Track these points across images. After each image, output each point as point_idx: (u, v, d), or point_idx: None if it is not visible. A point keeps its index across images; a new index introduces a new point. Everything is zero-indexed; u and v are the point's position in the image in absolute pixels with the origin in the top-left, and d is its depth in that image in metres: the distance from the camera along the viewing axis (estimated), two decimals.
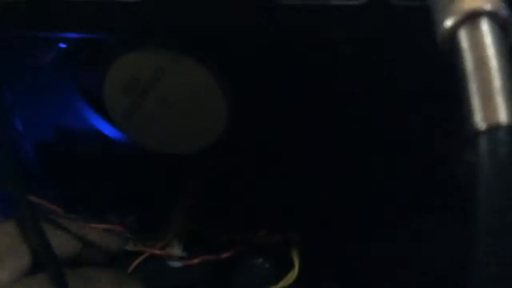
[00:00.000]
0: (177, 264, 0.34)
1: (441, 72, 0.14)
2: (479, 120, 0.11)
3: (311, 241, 0.32)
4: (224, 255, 0.30)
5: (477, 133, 0.11)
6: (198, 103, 0.26)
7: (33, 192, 0.26)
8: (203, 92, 0.26)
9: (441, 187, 0.30)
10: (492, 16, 0.12)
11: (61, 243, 0.26)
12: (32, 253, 0.25)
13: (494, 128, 0.11)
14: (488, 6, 0.12)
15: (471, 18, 0.12)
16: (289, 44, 0.24)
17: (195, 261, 0.29)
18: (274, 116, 0.28)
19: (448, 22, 0.13)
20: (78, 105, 0.33)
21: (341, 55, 0.26)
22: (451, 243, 0.29)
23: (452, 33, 0.12)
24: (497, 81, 0.12)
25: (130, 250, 0.32)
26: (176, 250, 0.36)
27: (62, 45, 0.28)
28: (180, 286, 0.33)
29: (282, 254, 0.33)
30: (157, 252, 0.31)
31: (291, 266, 0.32)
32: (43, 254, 0.24)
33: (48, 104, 0.33)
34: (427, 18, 0.14)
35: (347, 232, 0.32)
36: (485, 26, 0.12)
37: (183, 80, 0.26)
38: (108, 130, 0.34)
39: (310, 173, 0.31)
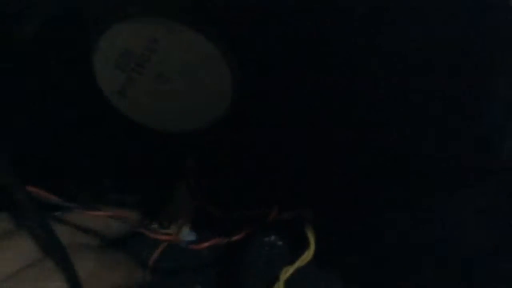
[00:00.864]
0: (185, 244, 0.33)
1: None
2: None
3: (325, 218, 0.30)
4: (235, 238, 0.28)
5: None
6: (199, 77, 0.23)
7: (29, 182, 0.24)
8: (204, 64, 0.23)
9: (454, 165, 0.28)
10: None
11: (63, 232, 0.25)
12: (34, 243, 0.24)
13: None
14: None
15: None
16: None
17: (205, 245, 0.28)
18: (284, 89, 0.25)
19: None
20: None
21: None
22: (467, 221, 0.27)
23: None
24: None
25: (134, 233, 0.30)
26: (185, 232, 0.35)
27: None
28: (189, 267, 0.31)
29: (295, 232, 0.31)
30: (166, 238, 0.29)
31: (307, 244, 0.30)
32: (47, 243, 0.22)
33: None
34: None
35: (363, 208, 0.30)
36: None
37: (181, 52, 0.23)
38: None
39: (322, 148, 0.29)
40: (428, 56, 0.23)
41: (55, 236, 0.21)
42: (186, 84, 0.24)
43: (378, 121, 0.28)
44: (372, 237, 0.30)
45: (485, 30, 0.21)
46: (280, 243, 0.32)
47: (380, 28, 0.23)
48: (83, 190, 0.30)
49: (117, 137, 0.31)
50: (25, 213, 0.23)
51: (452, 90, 0.24)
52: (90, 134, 0.32)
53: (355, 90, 0.26)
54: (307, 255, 0.29)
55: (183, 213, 0.33)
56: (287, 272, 0.28)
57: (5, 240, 0.24)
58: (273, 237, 0.32)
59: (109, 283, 0.24)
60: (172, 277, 0.30)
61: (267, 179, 0.32)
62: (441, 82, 0.24)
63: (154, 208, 0.34)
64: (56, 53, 0.26)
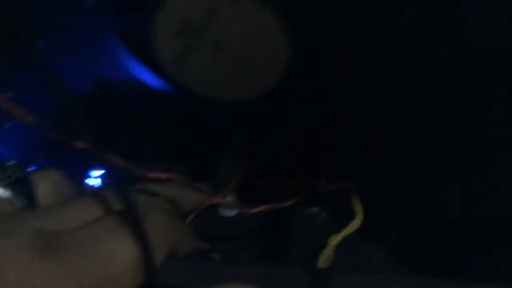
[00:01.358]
0: (229, 213, 0.34)
1: None
2: None
3: (370, 189, 0.31)
4: (284, 204, 0.29)
5: None
6: (256, 45, 0.25)
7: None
8: (263, 34, 0.24)
9: None
10: None
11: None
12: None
13: None
14: None
15: None
16: None
17: (254, 211, 0.28)
18: (336, 62, 0.26)
19: None
20: (118, 53, 0.31)
21: None
22: None
23: None
24: None
25: None
26: (230, 199, 0.36)
27: None
28: (234, 236, 0.32)
29: (338, 204, 0.31)
30: (214, 201, 0.30)
31: (351, 215, 0.30)
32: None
33: (86, 53, 0.32)
34: None
35: (408, 178, 0.31)
36: None
37: (242, 21, 0.24)
38: (149, 79, 0.32)
39: (373, 123, 0.30)
40: None
41: (126, 189, 0.21)
42: (242, 53, 0.25)
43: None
44: (416, 213, 0.31)
45: None
46: (323, 214, 0.32)
47: None
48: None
49: (164, 106, 0.32)
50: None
51: None
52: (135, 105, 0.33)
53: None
54: (355, 224, 0.30)
55: (228, 183, 0.34)
56: (335, 240, 0.29)
57: (72, 197, 0.25)
58: (316, 208, 0.32)
59: (169, 242, 0.25)
60: (220, 244, 0.31)
61: (314, 152, 0.33)
62: None
63: (200, 178, 0.35)
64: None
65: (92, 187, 0.28)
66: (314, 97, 0.29)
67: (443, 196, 0.29)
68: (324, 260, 0.28)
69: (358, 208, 0.30)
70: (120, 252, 0.21)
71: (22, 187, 0.25)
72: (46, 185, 0.26)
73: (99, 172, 0.37)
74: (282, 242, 0.31)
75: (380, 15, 0.25)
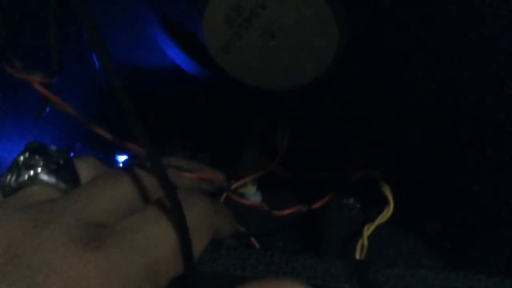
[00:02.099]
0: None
1: None
2: None
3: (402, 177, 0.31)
4: (316, 206, 0.29)
5: None
6: (306, 34, 0.24)
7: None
8: (313, 21, 0.24)
9: None
10: None
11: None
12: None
13: None
14: None
15: None
16: None
17: (286, 212, 0.28)
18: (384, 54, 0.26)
19: None
20: (157, 38, 0.31)
21: None
22: None
23: None
24: None
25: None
26: (251, 192, 0.36)
27: None
28: (271, 227, 0.32)
29: (372, 195, 0.32)
30: (250, 203, 0.30)
31: (385, 203, 0.31)
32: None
33: (123, 38, 0.31)
34: None
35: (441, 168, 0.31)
36: None
37: (292, 8, 0.23)
38: (186, 64, 0.32)
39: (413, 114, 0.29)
40: None
41: (166, 174, 0.21)
42: (291, 41, 0.24)
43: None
44: (450, 204, 0.31)
45: None
46: (358, 205, 0.32)
47: None
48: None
49: (197, 92, 0.31)
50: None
51: None
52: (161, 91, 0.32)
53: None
54: (387, 212, 0.30)
55: (250, 172, 0.34)
56: (368, 229, 0.29)
57: (112, 179, 0.24)
58: (351, 200, 0.32)
59: (212, 226, 0.25)
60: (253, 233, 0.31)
61: (340, 142, 0.33)
62: None
63: (223, 166, 0.35)
64: None
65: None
66: (347, 88, 0.29)
67: (479, 187, 0.30)
68: (360, 251, 0.28)
69: (389, 196, 0.31)
70: (161, 240, 0.21)
71: (66, 172, 0.25)
72: (87, 170, 0.26)
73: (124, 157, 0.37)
74: (317, 233, 0.32)
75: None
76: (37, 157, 0.24)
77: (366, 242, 0.29)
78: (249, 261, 0.25)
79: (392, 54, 0.28)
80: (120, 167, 0.28)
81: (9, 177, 0.24)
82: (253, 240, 0.31)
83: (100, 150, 0.30)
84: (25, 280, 0.18)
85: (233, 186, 0.33)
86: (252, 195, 0.36)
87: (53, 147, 0.25)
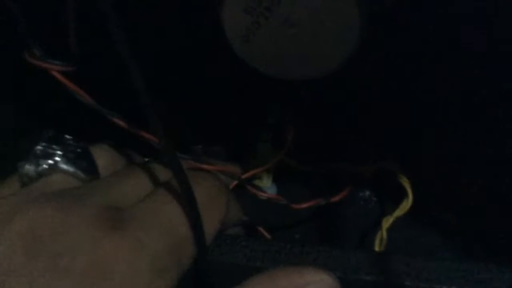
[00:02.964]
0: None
1: None
2: None
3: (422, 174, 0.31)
4: (334, 199, 0.29)
5: None
6: (327, 22, 0.24)
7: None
8: (334, 8, 0.23)
9: None
10: None
11: None
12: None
13: None
14: None
15: None
16: None
17: (301, 207, 0.28)
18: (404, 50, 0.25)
19: None
20: None
21: None
22: None
23: None
24: None
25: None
26: (266, 184, 0.36)
27: None
28: (287, 220, 0.32)
29: (389, 187, 0.31)
30: (267, 196, 0.29)
31: (401, 195, 0.30)
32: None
33: None
34: None
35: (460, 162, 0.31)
36: None
37: None
38: None
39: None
40: None
41: (179, 162, 0.21)
42: (312, 29, 0.24)
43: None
44: (468, 194, 0.31)
45: None
46: (375, 198, 0.32)
47: None
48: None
49: (202, 84, 0.31)
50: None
51: None
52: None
53: None
54: (405, 204, 0.30)
55: (265, 164, 0.34)
56: (387, 222, 0.29)
57: (128, 169, 0.25)
58: (367, 193, 0.32)
59: (221, 210, 0.25)
60: (270, 228, 0.31)
61: (358, 135, 0.33)
62: None
63: (237, 158, 0.35)
64: None
65: (141, 159, 0.28)
66: (365, 83, 0.29)
67: (498, 182, 0.29)
68: (379, 243, 0.28)
69: (408, 188, 0.30)
70: (177, 220, 0.22)
71: (84, 161, 0.25)
72: (103, 158, 0.26)
73: None
74: (332, 226, 0.31)
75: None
76: (54, 146, 0.24)
77: (385, 235, 0.28)
78: (269, 252, 0.24)
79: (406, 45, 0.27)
80: (134, 159, 0.28)
81: (27, 166, 0.24)
82: (262, 230, 0.30)
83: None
84: (51, 261, 0.18)
85: (246, 176, 0.33)
86: (268, 188, 0.36)
87: (68, 136, 0.25)
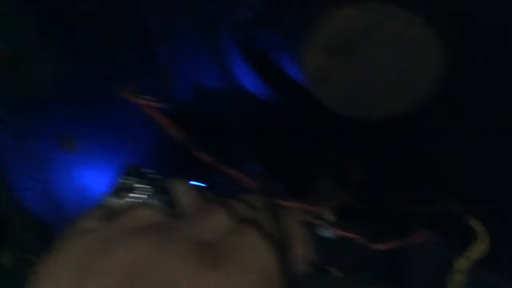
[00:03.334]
0: (327, 234, 0.33)
1: None
2: None
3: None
4: (410, 240, 0.28)
5: None
6: (408, 62, 0.24)
7: None
8: (416, 49, 0.24)
9: None
10: None
11: None
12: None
13: None
14: None
15: None
16: None
17: (380, 247, 0.28)
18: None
19: None
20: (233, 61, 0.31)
21: None
22: None
23: None
24: None
25: None
26: (331, 217, 0.35)
27: None
28: (347, 259, 0.31)
29: (454, 227, 0.31)
30: (346, 234, 0.29)
31: (472, 239, 0.30)
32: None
33: (193, 62, 0.32)
34: None
35: None
36: None
37: (397, 36, 0.24)
38: (261, 91, 0.32)
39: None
40: None
41: (274, 202, 0.21)
42: (393, 69, 0.25)
43: None
44: None
45: None
46: (442, 241, 0.32)
47: None
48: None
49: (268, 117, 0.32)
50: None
51: None
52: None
53: None
54: (479, 248, 0.29)
55: (328, 202, 0.33)
56: (460, 264, 0.28)
57: (209, 205, 0.25)
58: (433, 234, 0.32)
59: (303, 253, 0.25)
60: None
61: (423, 176, 0.33)
62: None
63: (301, 196, 0.34)
64: None
65: (216, 195, 0.28)
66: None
67: None
68: (456, 285, 0.27)
69: (480, 232, 0.30)
70: (267, 257, 0.21)
71: (166, 196, 0.25)
72: (184, 194, 0.26)
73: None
74: (402, 266, 0.31)
75: None
76: (139, 180, 0.25)
77: (462, 278, 0.28)
78: None
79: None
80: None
81: (114, 200, 0.24)
82: (333, 270, 0.30)
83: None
84: None
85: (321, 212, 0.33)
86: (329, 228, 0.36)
87: (148, 170, 0.26)
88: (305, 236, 0.26)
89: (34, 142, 0.23)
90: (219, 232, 0.23)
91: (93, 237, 0.21)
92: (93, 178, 0.28)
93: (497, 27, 0.24)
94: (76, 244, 0.20)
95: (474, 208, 0.31)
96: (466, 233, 0.30)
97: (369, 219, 0.33)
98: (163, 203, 0.24)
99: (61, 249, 0.20)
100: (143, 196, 0.24)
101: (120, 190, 0.24)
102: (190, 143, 0.23)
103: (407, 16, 0.23)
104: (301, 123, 0.32)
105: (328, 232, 0.35)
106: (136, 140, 0.30)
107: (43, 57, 0.20)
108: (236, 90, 0.17)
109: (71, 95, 0.25)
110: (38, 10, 0.19)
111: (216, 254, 0.20)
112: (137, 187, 0.25)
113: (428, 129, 0.31)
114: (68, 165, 0.26)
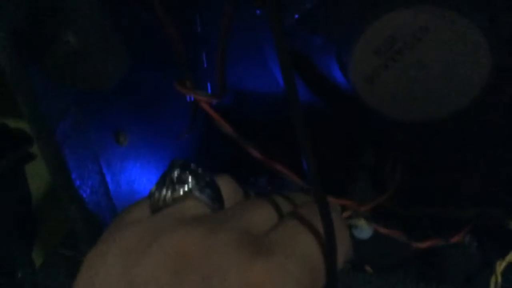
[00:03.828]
0: (363, 235, 0.34)
1: None
2: None
3: None
4: (453, 239, 0.29)
5: None
6: (458, 64, 0.24)
7: None
8: (467, 52, 0.24)
9: None
10: None
11: None
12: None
13: None
14: None
15: None
16: None
17: (421, 246, 0.28)
18: None
19: None
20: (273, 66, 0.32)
21: None
22: None
23: None
24: None
25: None
26: (362, 224, 0.36)
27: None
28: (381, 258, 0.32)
29: (488, 233, 0.31)
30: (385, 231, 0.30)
31: (506, 240, 0.30)
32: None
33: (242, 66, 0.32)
34: None
35: None
36: None
37: (448, 39, 0.24)
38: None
39: None
40: None
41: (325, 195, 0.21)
42: (441, 72, 0.25)
43: None
44: None
45: None
46: (475, 243, 0.32)
47: None
48: None
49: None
50: None
51: None
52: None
53: None
54: None
55: (367, 203, 0.34)
56: (500, 266, 0.29)
57: (253, 199, 0.25)
58: (467, 238, 0.32)
59: (346, 248, 0.25)
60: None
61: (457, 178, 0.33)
62: None
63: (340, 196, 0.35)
64: None
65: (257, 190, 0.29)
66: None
67: None
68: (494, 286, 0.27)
69: None
70: (314, 248, 0.22)
71: (212, 190, 0.26)
72: (227, 188, 0.27)
73: None
74: (437, 267, 0.31)
75: None
76: (188, 173, 0.25)
77: (500, 279, 0.28)
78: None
79: None
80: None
81: (164, 192, 0.25)
82: (368, 268, 0.30)
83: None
84: (201, 282, 0.18)
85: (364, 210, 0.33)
86: (366, 228, 0.36)
87: (195, 165, 0.27)
88: (348, 234, 0.26)
89: (92, 134, 0.24)
90: (266, 225, 0.23)
91: (142, 226, 0.21)
92: (142, 172, 0.29)
93: None
94: (125, 233, 0.21)
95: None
96: (505, 236, 0.30)
97: (405, 221, 0.33)
98: (209, 197, 0.25)
99: (110, 238, 0.21)
100: (190, 189, 0.25)
101: (168, 184, 0.25)
102: (242, 139, 0.24)
103: (459, 19, 0.23)
104: (343, 125, 0.33)
105: (364, 233, 0.35)
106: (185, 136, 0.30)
107: (110, 52, 0.21)
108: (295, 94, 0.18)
109: (128, 90, 0.26)
110: (109, 7, 0.20)
111: (265, 244, 0.20)
112: (184, 180, 0.25)
113: (469, 133, 0.31)
114: (120, 158, 0.27)
